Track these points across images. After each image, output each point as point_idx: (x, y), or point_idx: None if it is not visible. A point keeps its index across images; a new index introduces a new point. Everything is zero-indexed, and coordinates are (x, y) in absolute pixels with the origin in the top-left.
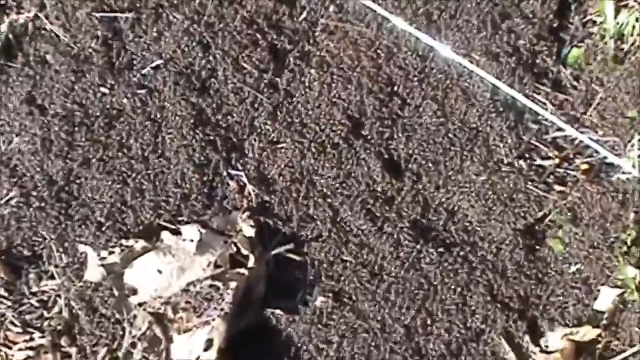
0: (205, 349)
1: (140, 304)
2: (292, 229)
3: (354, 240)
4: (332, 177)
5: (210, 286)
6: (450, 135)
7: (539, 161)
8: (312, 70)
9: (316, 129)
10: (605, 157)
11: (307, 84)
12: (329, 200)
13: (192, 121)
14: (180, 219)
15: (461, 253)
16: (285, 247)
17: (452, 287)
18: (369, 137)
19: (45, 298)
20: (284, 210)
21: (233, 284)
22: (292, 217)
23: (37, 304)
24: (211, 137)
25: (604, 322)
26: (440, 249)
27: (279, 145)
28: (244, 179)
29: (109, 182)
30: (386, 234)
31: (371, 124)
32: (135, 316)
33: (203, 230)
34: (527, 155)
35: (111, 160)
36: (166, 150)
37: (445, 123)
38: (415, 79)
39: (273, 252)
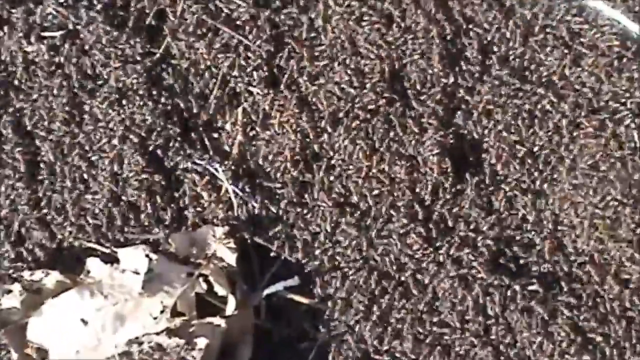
0: None
1: None
2: (296, 253)
3: (402, 273)
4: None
5: (165, 345)
6: None
7: None
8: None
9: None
10: None
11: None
12: (357, 206)
13: (136, 78)
14: (116, 237)
15: None
16: (286, 282)
17: None
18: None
19: None
20: (284, 223)
21: (202, 342)
22: (297, 235)
23: None
24: (167, 106)
25: None
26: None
27: (283, 116)
28: (220, 175)
29: None
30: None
31: None
32: None
33: (154, 256)
34: None
35: None
36: (89, 121)
37: None
38: None
39: (266, 292)
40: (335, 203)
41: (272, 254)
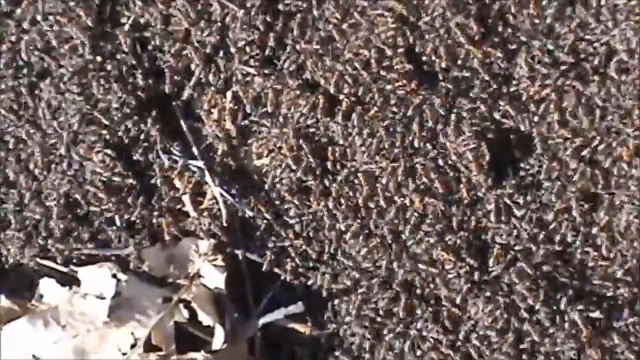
0: None
1: None
2: (300, 272)
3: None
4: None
5: None
6: None
7: None
8: None
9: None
10: None
11: None
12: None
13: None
14: (75, 253)
15: None
16: (288, 310)
17: None
18: None
19: None
20: (284, 235)
21: None
22: (300, 250)
23: None
24: (137, 90)
25: None
26: None
27: (283, 102)
28: (205, 175)
29: None
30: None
31: None
32: None
33: (122, 277)
34: None
35: None
36: (41, 109)
37: None
38: None
39: (263, 321)
40: (347, 211)
41: (269, 274)
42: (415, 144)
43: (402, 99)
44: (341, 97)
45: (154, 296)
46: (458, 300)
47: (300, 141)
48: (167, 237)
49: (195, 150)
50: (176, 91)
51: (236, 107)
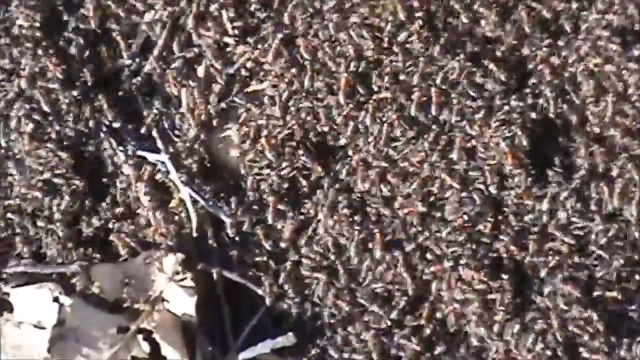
0: None
1: None
2: (290, 295)
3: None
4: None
5: None
6: None
7: None
8: None
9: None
10: None
11: None
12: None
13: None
14: (8, 270)
15: None
16: (275, 342)
17: None
18: None
19: None
20: (269, 250)
21: None
22: (291, 268)
23: None
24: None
25: None
26: None
27: (268, 81)
28: (171, 173)
29: None
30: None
31: None
32: None
33: (67, 301)
34: None
35: None
36: None
37: None
38: None
39: (243, 356)
40: (349, 215)
41: (252, 297)
42: (439, 138)
43: (415, 74)
44: (340, 71)
45: (106, 325)
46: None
47: (291, 128)
48: (122, 251)
49: (158, 141)
50: (134, 66)
51: (209, 86)
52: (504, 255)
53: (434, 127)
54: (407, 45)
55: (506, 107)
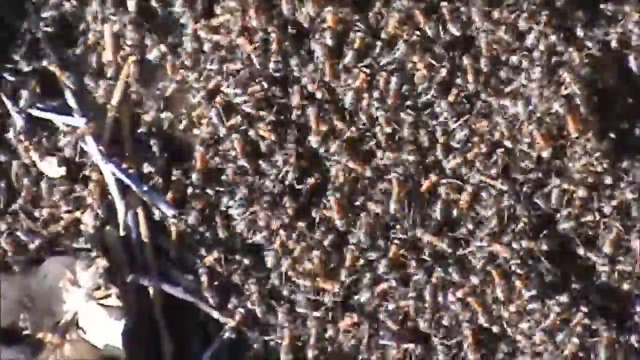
0: None
1: None
2: (255, 322)
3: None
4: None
5: None
6: None
7: None
8: None
9: None
10: None
11: None
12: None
13: None
14: None
15: None
16: None
17: None
18: None
19: None
20: (234, 249)
21: None
22: (259, 281)
23: None
24: None
25: None
26: None
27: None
28: (88, 143)
29: None
30: None
31: None
32: None
33: None
34: None
35: None
36: None
37: None
38: None
39: None
40: (345, 212)
41: (202, 323)
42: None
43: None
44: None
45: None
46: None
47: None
48: (18, 257)
49: (71, 100)
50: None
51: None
52: None
53: None
54: None
55: None
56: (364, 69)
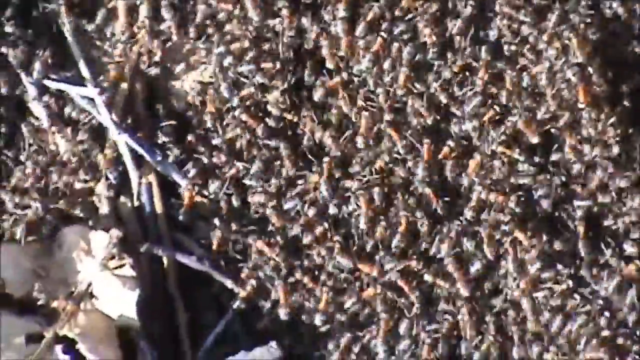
0: None
1: None
2: (272, 290)
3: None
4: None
5: None
6: None
7: None
8: None
9: None
10: None
11: None
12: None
13: None
14: None
15: None
16: (252, 355)
17: None
18: None
19: None
20: (241, 227)
21: None
22: (273, 251)
23: None
24: None
25: None
26: None
27: None
28: (102, 113)
29: None
30: None
31: None
32: None
33: None
34: None
35: None
36: None
37: None
38: None
39: None
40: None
41: (216, 293)
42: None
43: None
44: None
45: (13, 331)
46: None
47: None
48: (33, 226)
49: (85, 71)
50: None
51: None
52: None
53: None
54: None
55: None
56: (382, 34)
